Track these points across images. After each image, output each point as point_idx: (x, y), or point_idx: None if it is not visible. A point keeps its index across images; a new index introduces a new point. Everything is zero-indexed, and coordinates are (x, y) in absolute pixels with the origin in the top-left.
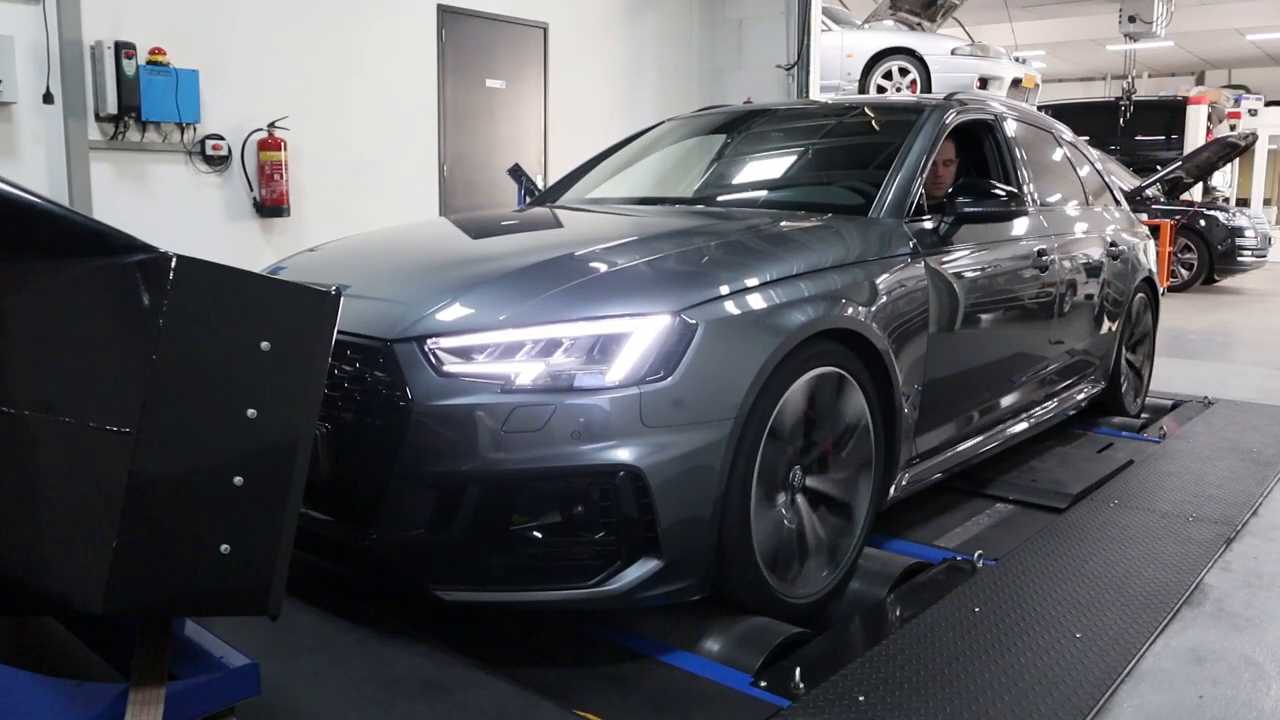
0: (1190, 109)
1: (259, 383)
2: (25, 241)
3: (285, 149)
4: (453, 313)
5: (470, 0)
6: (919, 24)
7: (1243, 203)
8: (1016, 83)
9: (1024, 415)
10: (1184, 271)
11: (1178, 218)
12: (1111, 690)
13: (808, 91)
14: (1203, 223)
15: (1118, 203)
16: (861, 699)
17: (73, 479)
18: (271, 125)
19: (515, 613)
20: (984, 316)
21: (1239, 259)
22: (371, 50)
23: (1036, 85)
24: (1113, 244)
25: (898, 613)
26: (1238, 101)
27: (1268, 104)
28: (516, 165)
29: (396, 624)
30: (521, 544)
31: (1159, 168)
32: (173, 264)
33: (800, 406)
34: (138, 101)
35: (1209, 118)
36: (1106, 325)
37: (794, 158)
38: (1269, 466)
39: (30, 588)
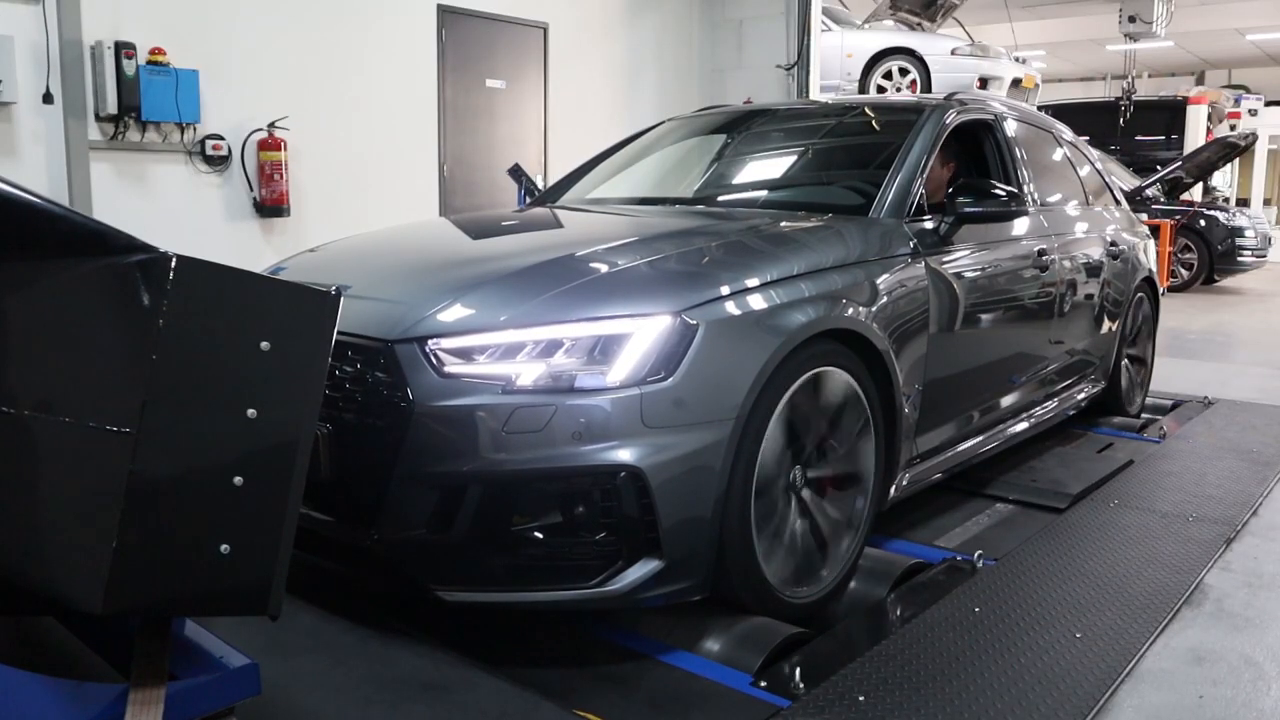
0: (1190, 109)
1: (259, 383)
2: (25, 241)
3: (285, 149)
4: (454, 313)
5: (470, 0)
6: (919, 24)
7: (1243, 203)
8: (1016, 83)
9: (1024, 415)
10: (1184, 271)
11: (1178, 218)
12: (1111, 690)
13: (808, 91)
14: (1203, 223)
15: (1118, 203)
16: (861, 699)
17: (72, 479)
18: (271, 125)
19: (515, 613)
20: (984, 316)
21: (1239, 259)
22: (371, 50)
23: (1036, 85)
24: (1113, 244)
25: (898, 613)
26: (1238, 101)
27: (1268, 104)
28: (516, 165)
29: (396, 624)
30: (522, 544)
31: (1159, 168)
32: (173, 264)
33: (801, 407)
34: (138, 101)
35: (1209, 118)
36: (1106, 325)
37: (794, 158)
38: (1269, 466)
39: (30, 588)
